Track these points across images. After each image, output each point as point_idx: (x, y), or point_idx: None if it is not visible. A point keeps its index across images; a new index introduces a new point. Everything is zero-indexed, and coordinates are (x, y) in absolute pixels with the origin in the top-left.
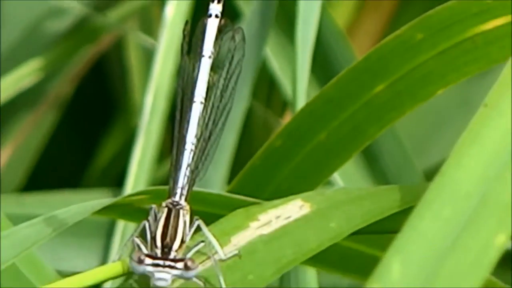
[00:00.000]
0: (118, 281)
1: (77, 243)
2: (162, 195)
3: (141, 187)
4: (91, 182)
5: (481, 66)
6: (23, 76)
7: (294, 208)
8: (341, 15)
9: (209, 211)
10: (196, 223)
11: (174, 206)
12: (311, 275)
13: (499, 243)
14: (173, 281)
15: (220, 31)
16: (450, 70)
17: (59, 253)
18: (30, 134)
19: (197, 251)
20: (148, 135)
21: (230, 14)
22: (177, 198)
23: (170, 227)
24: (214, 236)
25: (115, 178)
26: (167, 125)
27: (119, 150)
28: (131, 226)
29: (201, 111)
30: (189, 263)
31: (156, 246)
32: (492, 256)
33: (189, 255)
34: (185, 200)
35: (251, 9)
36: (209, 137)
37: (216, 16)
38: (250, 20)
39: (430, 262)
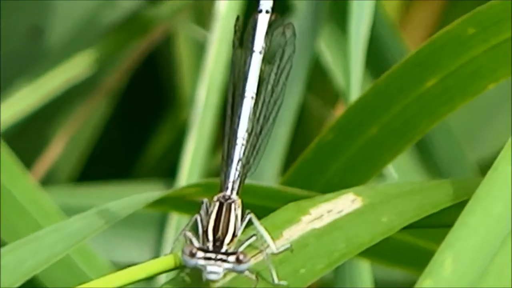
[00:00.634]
0: (171, 275)
1: (131, 234)
2: (215, 188)
3: (194, 179)
4: (144, 173)
5: None
6: (76, 67)
7: (346, 202)
8: (394, 8)
9: (260, 204)
10: (248, 216)
11: (226, 200)
12: (365, 268)
13: None
14: (224, 274)
15: (271, 26)
16: (501, 64)
17: (113, 244)
18: (83, 125)
19: (249, 245)
20: (201, 128)
21: (283, 8)
22: (228, 192)
23: (221, 221)
24: (266, 230)
25: (168, 169)
26: (220, 117)
27: (171, 142)
28: (185, 218)
29: (252, 106)
30: (241, 257)
31: (208, 240)
32: None
33: (241, 248)
34: (237, 194)
35: (304, 3)
36: (260, 132)
37: (267, 11)
38: (303, 14)
39: (481, 258)
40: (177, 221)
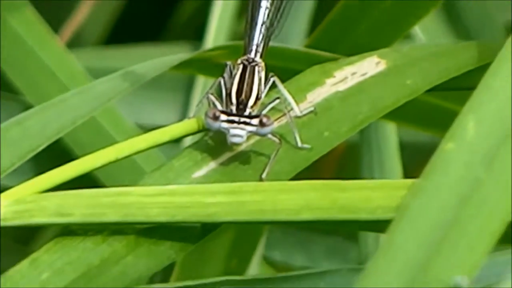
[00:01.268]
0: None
1: (158, 98)
2: (240, 51)
3: (221, 42)
4: (172, 36)
5: None
6: None
7: (370, 65)
8: None
9: (285, 66)
10: (272, 79)
11: (249, 63)
12: (391, 131)
13: None
14: (248, 137)
15: None
16: None
17: (140, 108)
18: None
19: (273, 108)
20: None
21: None
22: (252, 55)
23: (245, 84)
24: (290, 93)
25: (196, 33)
26: None
27: (199, 4)
28: (210, 81)
29: None
30: (264, 120)
31: (231, 103)
32: None
33: (264, 111)
34: (260, 57)
35: None
36: None
37: None
38: None
39: (504, 121)
40: (203, 85)
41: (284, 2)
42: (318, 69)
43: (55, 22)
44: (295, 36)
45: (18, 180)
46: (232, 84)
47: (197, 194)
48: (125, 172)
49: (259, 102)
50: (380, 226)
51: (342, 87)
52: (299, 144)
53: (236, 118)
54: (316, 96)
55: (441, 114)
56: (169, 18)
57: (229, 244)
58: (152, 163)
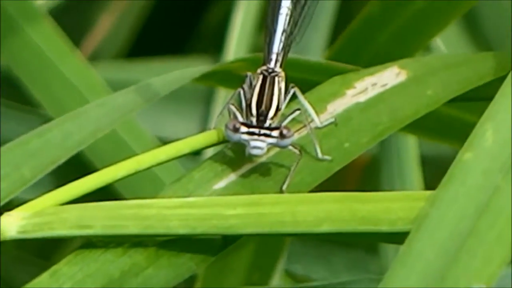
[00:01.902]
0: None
1: (179, 110)
2: (260, 63)
3: (242, 54)
4: (194, 49)
5: None
6: None
7: (390, 75)
8: None
9: (305, 77)
10: (292, 90)
11: (269, 73)
12: (411, 143)
13: None
14: (268, 149)
15: None
16: None
17: (161, 120)
18: (132, 1)
19: (293, 119)
20: (249, 1)
21: None
22: (272, 65)
23: (265, 95)
24: (310, 104)
25: (217, 45)
26: None
27: (222, 18)
28: (231, 93)
29: None
30: (284, 131)
31: (251, 114)
32: None
33: (284, 123)
34: (280, 66)
35: None
36: (305, 2)
37: None
38: None
39: None
40: (224, 97)
41: (305, 9)
42: (339, 80)
43: (77, 35)
44: (316, 47)
45: (39, 192)
46: (252, 95)
47: (217, 206)
48: (145, 185)
49: (279, 113)
50: (400, 237)
51: (362, 98)
52: (320, 155)
53: (256, 130)
54: (337, 107)
55: (462, 126)
56: (191, 31)
57: (250, 256)
58: (172, 175)
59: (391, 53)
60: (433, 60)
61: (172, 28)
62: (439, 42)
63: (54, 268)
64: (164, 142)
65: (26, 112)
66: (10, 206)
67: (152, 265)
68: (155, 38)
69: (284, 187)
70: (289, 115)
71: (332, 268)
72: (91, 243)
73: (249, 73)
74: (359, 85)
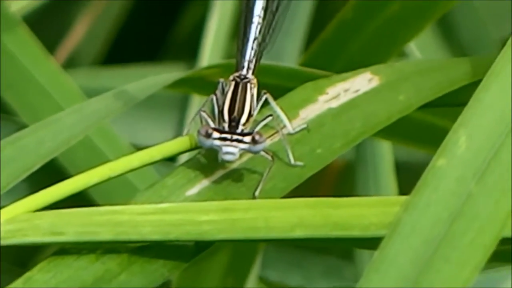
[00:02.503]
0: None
1: (153, 117)
2: (234, 69)
3: (216, 61)
4: (168, 56)
5: None
6: None
7: (363, 81)
8: None
9: (277, 83)
10: (264, 96)
11: (241, 79)
12: (386, 149)
13: None
14: (240, 155)
15: None
16: None
17: (136, 127)
18: (107, 7)
19: (265, 125)
20: (223, 7)
21: None
22: (244, 72)
23: (237, 101)
24: (282, 110)
25: (193, 52)
26: None
27: (197, 24)
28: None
29: None
30: (256, 137)
31: (223, 120)
32: None
33: (257, 129)
34: (252, 73)
35: None
36: (277, 9)
37: None
38: None
39: (495, 135)
40: (198, 103)
41: (276, 17)
42: (311, 86)
43: (51, 41)
44: (289, 54)
45: (13, 199)
46: (224, 101)
47: (190, 212)
48: (118, 191)
49: (251, 119)
50: (374, 243)
51: (335, 103)
52: (292, 161)
53: (228, 136)
54: (309, 113)
55: (436, 132)
56: (165, 38)
57: (224, 263)
58: (146, 181)
59: (365, 59)
60: (406, 66)
61: (147, 35)
62: (413, 48)
63: (27, 275)
64: (138, 148)
65: (1, 119)
66: None
67: (125, 271)
68: (130, 44)
69: (257, 193)
70: (261, 121)
71: (307, 275)
72: (64, 249)
73: (221, 80)
74: (331, 91)
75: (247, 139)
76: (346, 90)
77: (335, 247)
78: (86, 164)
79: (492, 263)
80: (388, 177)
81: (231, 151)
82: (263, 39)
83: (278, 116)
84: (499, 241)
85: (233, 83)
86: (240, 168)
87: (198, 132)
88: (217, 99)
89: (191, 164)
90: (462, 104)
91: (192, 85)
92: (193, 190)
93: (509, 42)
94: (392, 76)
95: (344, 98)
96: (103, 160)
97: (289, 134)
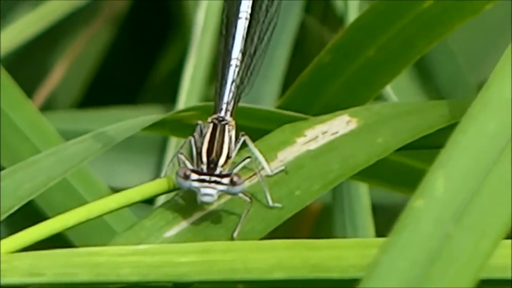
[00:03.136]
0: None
1: (131, 159)
2: (211, 112)
3: (194, 103)
4: (146, 99)
5: None
6: None
7: (341, 124)
8: None
9: (255, 126)
10: (242, 138)
11: (220, 121)
12: (363, 191)
13: None
14: (219, 197)
15: None
16: None
17: (113, 170)
18: (85, 50)
19: (244, 167)
20: (200, 51)
21: None
22: (222, 114)
23: (215, 143)
24: (261, 152)
25: (171, 95)
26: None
27: (174, 67)
28: (183, 142)
29: (246, 26)
30: (235, 179)
31: (202, 162)
32: None
33: (235, 170)
34: (231, 115)
35: None
36: (255, 53)
37: None
38: None
39: (473, 177)
40: (176, 146)
41: (254, 60)
42: (289, 128)
43: (29, 84)
44: (267, 97)
45: None
46: (202, 143)
47: (168, 253)
48: (96, 233)
49: (229, 161)
50: (352, 285)
51: (313, 145)
52: (270, 203)
53: (206, 177)
54: (287, 155)
55: (413, 174)
56: (143, 81)
57: None
58: (124, 223)
59: (343, 102)
60: (384, 108)
61: (125, 78)
62: (389, 91)
63: None
64: (116, 190)
65: None
66: None
67: None
68: (108, 87)
69: (235, 234)
70: (239, 163)
71: None
72: None
73: (199, 122)
74: (310, 133)
75: (226, 180)
76: (324, 133)
77: None
78: (64, 206)
79: None
80: (365, 218)
81: (210, 192)
82: (241, 82)
83: (256, 158)
84: (478, 282)
85: (211, 125)
86: (218, 209)
87: (177, 173)
88: (195, 141)
89: (170, 206)
90: (440, 146)
91: (170, 128)
92: (171, 232)
93: (486, 84)
94: (370, 119)
95: (322, 141)
96: (81, 202)
97: (268, 176)
